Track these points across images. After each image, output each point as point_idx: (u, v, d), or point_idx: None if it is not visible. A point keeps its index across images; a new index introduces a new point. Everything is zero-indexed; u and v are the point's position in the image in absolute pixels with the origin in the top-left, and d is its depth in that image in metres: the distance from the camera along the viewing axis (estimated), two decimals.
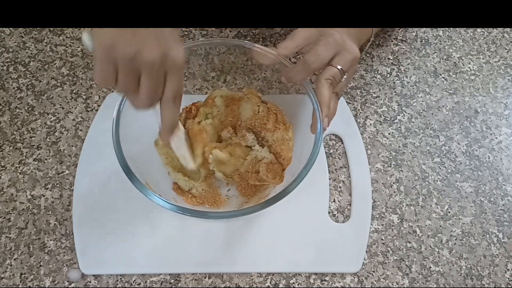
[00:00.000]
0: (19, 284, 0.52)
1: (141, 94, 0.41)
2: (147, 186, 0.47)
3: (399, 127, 0.64)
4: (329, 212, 0.57)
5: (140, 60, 0.38)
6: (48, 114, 0.63)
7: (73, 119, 0.63)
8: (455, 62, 0.70)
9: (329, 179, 0.59)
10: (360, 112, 0.65)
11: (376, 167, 0.60)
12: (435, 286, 0.53)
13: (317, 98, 0.50)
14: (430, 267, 0.54)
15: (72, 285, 0.52)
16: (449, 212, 0.58)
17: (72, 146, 0.61)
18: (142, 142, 0.53)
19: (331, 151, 0.61)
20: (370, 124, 0.64)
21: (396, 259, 0.54)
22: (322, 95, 0.49)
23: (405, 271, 0.54)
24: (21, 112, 0.63)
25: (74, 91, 0.65)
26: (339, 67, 0.49)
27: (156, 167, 0.55)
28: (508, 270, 0.54)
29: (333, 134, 0.62)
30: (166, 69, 0.40)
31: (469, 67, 0.70)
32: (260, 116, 0.57)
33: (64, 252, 0.54)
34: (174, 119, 0.45)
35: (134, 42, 0.37)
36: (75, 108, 0.64)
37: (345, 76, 0.51)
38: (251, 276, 0.53)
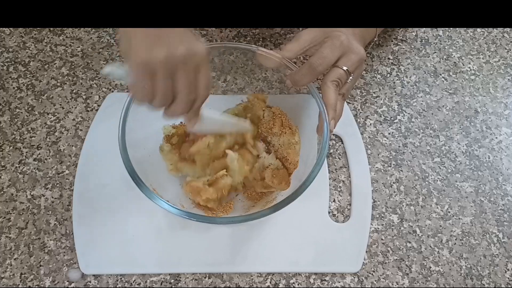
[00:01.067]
0: (19, 284, 0.52)
1: (179, 96, 0.41)
2: (154, 192, 0.46)
3: (399, 127, 0.64)
4: (329, 212, 0.57)
5: (175, 58, 0.38)
6: (48, 114, 0.63)
7: (73, 119, 0.63)
8: (455, 62, 0.70)
9: (329, 179, 0.59)
10: (360, 112, 0.65)
11: (376, 167, 0.60)
12: (435, 286, 0.53)
13: (323, 101, 0.49)
14: (430, 267, 0.54)
15: (72, 285, 0.52)
16: (449, 212, 0.58)
17: (72, 146, 0.61)
18: (148, 147, 0.53)
19: (331, 151, 0.61)
20: (370, 124, 0.64)
21: (396, 259, 0.54)
22: (328, 97, 0.49)
23: (405, 271, 0.54)
24: (21, 112, 0.63)
25: (74, 91, 0.65)
26: (345, 68, 0.49)
27: (163, 172, 0.54)
28: (508, 270, 0.54)
29: (333, 134, 0.62)
30: (197, 63, 0.41)
31: (469, 67, 0.70)
32: (265, 121, 0.56)
33: (64, 252, 0.54)
34: (199, 109, 0.45)
35: (164, 46, 0.38)
36: (75, 108, 0.64)
37: (351, 77, 0.50)
38: (251, 276, 0.53)
